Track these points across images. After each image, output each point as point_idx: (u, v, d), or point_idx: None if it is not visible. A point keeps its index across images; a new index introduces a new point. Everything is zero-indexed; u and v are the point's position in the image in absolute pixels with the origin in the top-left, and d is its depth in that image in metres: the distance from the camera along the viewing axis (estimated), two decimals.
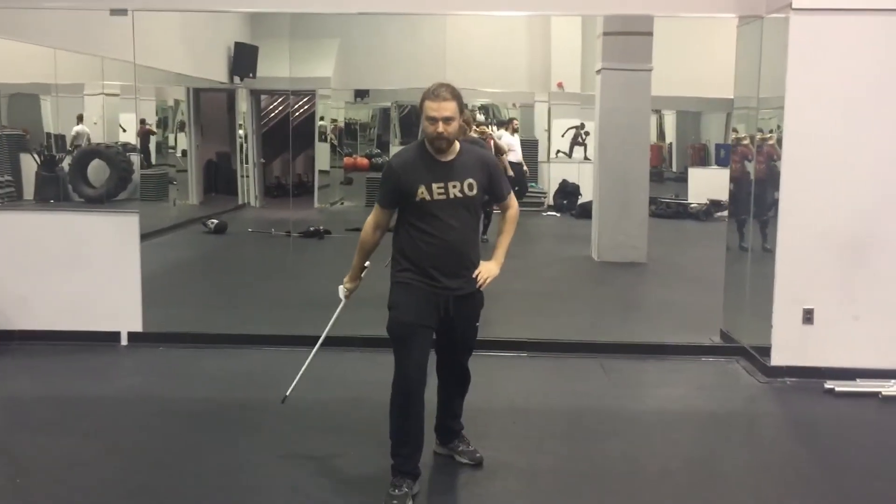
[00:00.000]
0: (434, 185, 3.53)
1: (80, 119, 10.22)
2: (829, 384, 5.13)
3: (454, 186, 3.55)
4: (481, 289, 3.68)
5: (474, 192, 3.60)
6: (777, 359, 5.35)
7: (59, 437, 4.30)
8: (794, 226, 5.28)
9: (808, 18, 5.13)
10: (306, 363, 4.18)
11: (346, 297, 3.90)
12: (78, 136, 10.18)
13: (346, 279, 3.87)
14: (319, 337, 4.16)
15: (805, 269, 5.29)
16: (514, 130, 13.70)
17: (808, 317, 5.29)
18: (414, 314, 3.57)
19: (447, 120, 3.48)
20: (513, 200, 3.85)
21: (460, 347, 3.82)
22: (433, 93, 3.50)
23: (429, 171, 3.54)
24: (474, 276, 3.62)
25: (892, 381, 5.13)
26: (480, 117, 14.46)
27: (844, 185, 5.22)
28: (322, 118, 14.18)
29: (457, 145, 3.60)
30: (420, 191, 3.51)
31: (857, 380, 5.17)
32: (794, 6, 5.12)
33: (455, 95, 3.52)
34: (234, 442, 4.23)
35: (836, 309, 5.28)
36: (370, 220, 3.70)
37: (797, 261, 5.29)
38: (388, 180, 3.63)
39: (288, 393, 4.16)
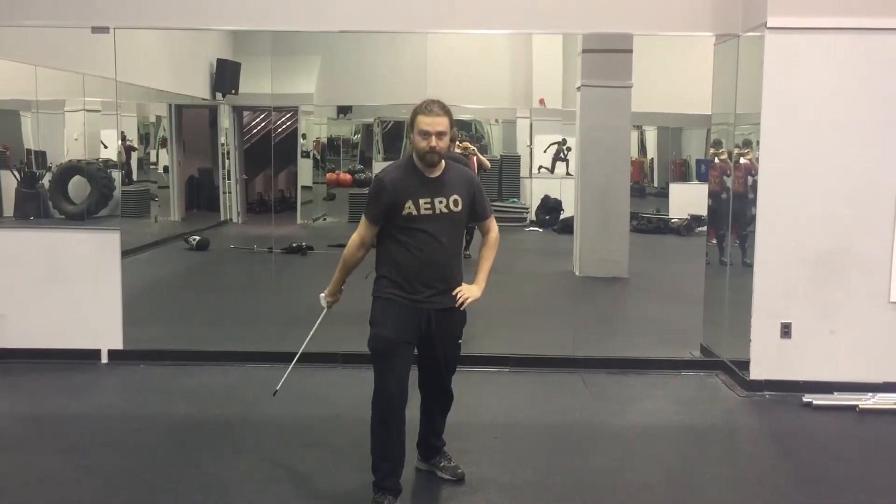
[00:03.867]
0: (421, 200, 3.56)
1: None
2: (807, 398, 5.19)
3: (440, 202, 3.59)
4: (461, 308, 3.69)
5: (459, 207, 3.64)
6: (756, 373, 5.40)
7: (37, 455, 4.27)
8: (771, 241, 5.35)
9: (782, 37, 5.22)
10: (292, 364, 4.34)
11: (328, 306, 3.90)
12: None
13: (326, 292, 3.88)
14: (301, 352, 4.21)
15: (783, 284, 5.35)
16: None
17: (786, 331, 5.35)
18: (395, 330, 3.59)
19: (440, 135, 3.53)
20: (493, 224, 3.88)
21: (443, 364, 3.82)
22: (426, 108, 3.54)
23: (416, 187, 3.57)
24: (454, 293, 3.64)
25: (869, 394, 5.20)
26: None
27: (820, 200, 5.30)
28: (304, 135, 14.17)
29: (443, 162, 3.64)
30: (407, 205, 3.54)
31: (835, 393, 5.23)
32: (769, 25, 5.21)
33: (446, 111, 3.57)
34: (215, 459, 4.21)
35: (813, 323, 5.34)
36: (355, 237, 3.69)
37: (775, 275, 5.35)
38: (377, 195, 3.60)
39: (279, 387, 4.35)
